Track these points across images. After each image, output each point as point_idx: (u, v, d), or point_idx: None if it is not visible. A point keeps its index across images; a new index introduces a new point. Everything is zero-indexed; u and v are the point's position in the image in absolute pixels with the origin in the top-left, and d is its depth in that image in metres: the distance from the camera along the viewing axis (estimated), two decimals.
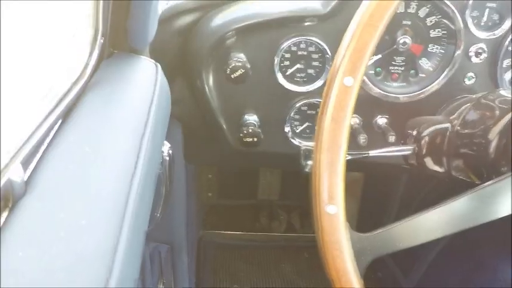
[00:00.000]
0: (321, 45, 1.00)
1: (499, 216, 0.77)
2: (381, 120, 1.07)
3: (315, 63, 1.03)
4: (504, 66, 1.08)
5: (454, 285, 1.57)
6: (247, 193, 1.92)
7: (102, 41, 0.76)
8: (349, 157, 0.93)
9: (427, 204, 0.77)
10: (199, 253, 1.77)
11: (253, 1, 1.03)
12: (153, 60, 0.86)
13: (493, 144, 0.85)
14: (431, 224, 0.77)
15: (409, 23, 1.02)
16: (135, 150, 0.59)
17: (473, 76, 1.06)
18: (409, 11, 1.01)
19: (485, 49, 1.04)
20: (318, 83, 1.04)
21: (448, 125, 0.94)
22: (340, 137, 0.70)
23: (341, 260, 0.74)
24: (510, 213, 0.76)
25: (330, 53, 1.01)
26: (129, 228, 0.49)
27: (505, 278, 1.37)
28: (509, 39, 1.04)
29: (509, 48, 1.06)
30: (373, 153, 0.96)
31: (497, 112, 0.88)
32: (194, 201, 1.54)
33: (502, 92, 0.97)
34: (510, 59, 1.08)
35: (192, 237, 1.56)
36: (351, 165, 0.77)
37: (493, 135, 0.85)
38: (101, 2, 0.72)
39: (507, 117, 0.86)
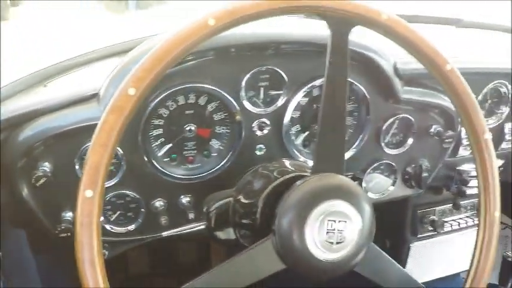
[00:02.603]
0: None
1: (267, 275, 0.87)
2: (185, 199, 1.16)
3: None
4: (293, 132, 1.21)
5: None
6: None
7: None
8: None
9: None
10: None
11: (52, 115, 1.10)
12: None
13: (259, 211, 0.96)
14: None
15: (192, 111, 1.12)
16: None
17: (263, 147, 1.17)
18: (189, 101, 1.11)
19: (268, 122, 1.15)
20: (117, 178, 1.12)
21: (230, 199, 1.05)
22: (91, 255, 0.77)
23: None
24: (274, 271, 0.87)
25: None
26: None
27: None
28: (290, 109, 1.16)
29: (294, 116, 1.19)
30: (166, 233, 1.06)
31: (268, 180, 1.00)
32: None
33: (285, 160, 1.10)
34: (299, 125, 1.22)
35: None
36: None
37: (260, 202, 0.97)
38: None
39: (271, 186, 0.98)
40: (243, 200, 1.02)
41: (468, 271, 1.04)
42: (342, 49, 0.88)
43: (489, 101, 1.45)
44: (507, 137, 1.51)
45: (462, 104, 0.99)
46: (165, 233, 1.08)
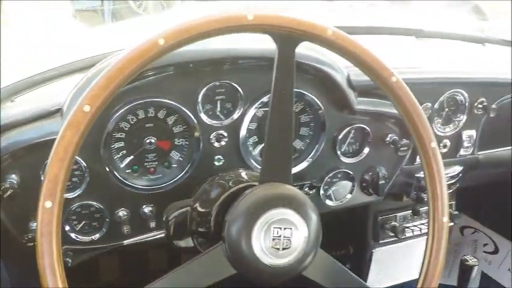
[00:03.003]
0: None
1: (218, 279, 0.92)
2: (147, 209, 1.19)
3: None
4: (251, 143, 1.26)
5: None
6: None
7: None
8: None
9: None
10: None
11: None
12: None
13: (213, 219, 1.01)
14: None
15: (152, 125, 1.16)
16: None
17: (222, 158, 1.21)
18: (149, 115, 1.15)
19: (225, 134, 1.20)
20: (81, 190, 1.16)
21: (188, 208, 1.10)
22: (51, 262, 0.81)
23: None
24: (225, 276, 0.92)
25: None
26: None
27: None
28: (246, 121, 1.21)
29: (251, 127, 1.24)
30: (128, 241, 1.10)
31: (223, 190, 1.05)
32: None
33: (242, 171, 1.14)
34: (256, 136, 1.26)
35: None
36: None
37: (214, 210, 1.01)
38: None
39: (224, 195, 1.02)
40: (199, 209, 1.06)
41: (419, 275, 1.09)
42: (288, 64, 0.93)
43: (446, 109, 1.50)
44: (465, 143, 1.56)
45: (409, 114, 1.04)
46: (126, 242, 1.12)
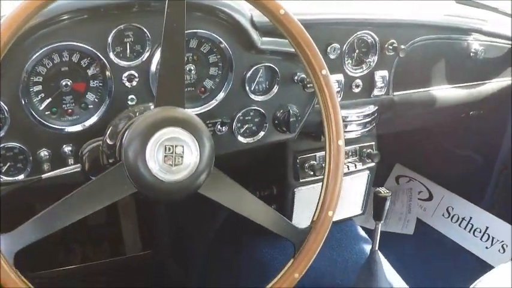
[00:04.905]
0: None
1: (120, 197, 1.02)
2: (67, 149, 1.25)
3: None
4: None
5: (225, 269, 1.82)
6: None
7: None
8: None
9: None
10: None
11: None
12: None
13: (117, 147, 1.08)
14: (63, 212, 1.00)
15: (67, 68, 1.23)
16: None
17: (134, 98, 1.29)
18: (64, 59, 1.22)
19: (136, 74, 1.27)
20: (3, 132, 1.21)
21: (99, 142, 1.17)
22: None
23: None
24: (127, 194, 1.02)
25: None
26: None
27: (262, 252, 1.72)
28: (155, 61, 1.28)
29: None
30: (46, 175, 1.18)
31: (128, 120, 1.12)
32: None
33: (151, 104, 1.21)
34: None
35: None
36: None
37: (118, 141, 1.09)
38: None
39: (128, 123, 1.09)
40: (108, 142, 1.14)
41: (318, 199, 1.18)
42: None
43: (357, 51, 1.58)
44: (378, 84, 1.64)
45: (299, 44, 1.13)
46: (44, 176, 1.19)
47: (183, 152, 0.98)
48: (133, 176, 0.99)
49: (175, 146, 0.98)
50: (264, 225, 1.13)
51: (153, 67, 1.28)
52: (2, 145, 1.22)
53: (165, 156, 0.97)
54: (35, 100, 1.23)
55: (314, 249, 1.15)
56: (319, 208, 1.17)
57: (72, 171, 1.21)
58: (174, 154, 0.98)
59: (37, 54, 1.16)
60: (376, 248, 1.55)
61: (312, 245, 1.15)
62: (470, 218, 2.56)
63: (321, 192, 1.18)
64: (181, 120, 1.00)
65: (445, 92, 1.88)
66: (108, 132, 1.16)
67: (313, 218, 1.17)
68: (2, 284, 0.96)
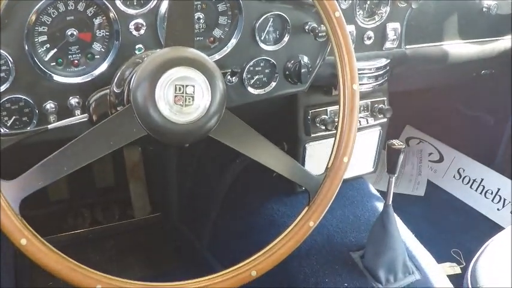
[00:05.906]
0: None
1: (130, 140, 0.99)
2: (73, 100, 1.22)
3: None
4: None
5: (236, 230, 1.81)
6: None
7: None
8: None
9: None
10: None
11: None
12: None
13: (125, 94, 1.04)
14: (70, 157, 0.97)
15: (72, 17, 1.20)
16: None
17: (142, 47, 1.25)
18: (69, 8, 1.18)
19: (144, 23, 1.23)
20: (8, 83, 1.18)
21: (106, 91, 1.14)
22: None
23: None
24: (137, 137, 0.98)
25: None
26: None
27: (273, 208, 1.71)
28: (163, 9, 1.24)
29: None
30: (52, 126, 1.15)
31: (136, 66, 1.07)
32: None
33: (158, 50, 1.16)
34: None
35: None
36: None
37: (126, 87, 1.04)
38: None
39: (138, 66, 1.04)
40: (116, 90, 1.11)
41: (333, 145, 1.15)
42: None
43: (369, 1, 1.54)
44: (390, 36, 1.61)
45: None
46: (50, 126, 1.16)
47: (193, 92, 0.95)
48: (142, 118, 0.96)
49: (186, 86, 0.95)
50: (279, 171, 1.11)
51: (161, 14, 1.24)
52: (7, 97, 1.19)
53: (175, 96, 0.94)
54: (40, 51, 1.20)
55: (329, 197, 1.13)
56: (333, 154, 1.14)
57: (79, 121, 1.18)
58: (184, 94, 0.95)
59: (41, 2, 1.13)
60: (390, 203, 1.52)
61: (327, 192, 1.12)
62: (482, 179, 2.54)
63: (335, 139, 1.15)
64: (192, 60, 0.97)
65: (456, 48, 1.84)
66: (116, 80, 1.13)
67: (327, 165, 1.15)
68: (4, 231, 0.94)
